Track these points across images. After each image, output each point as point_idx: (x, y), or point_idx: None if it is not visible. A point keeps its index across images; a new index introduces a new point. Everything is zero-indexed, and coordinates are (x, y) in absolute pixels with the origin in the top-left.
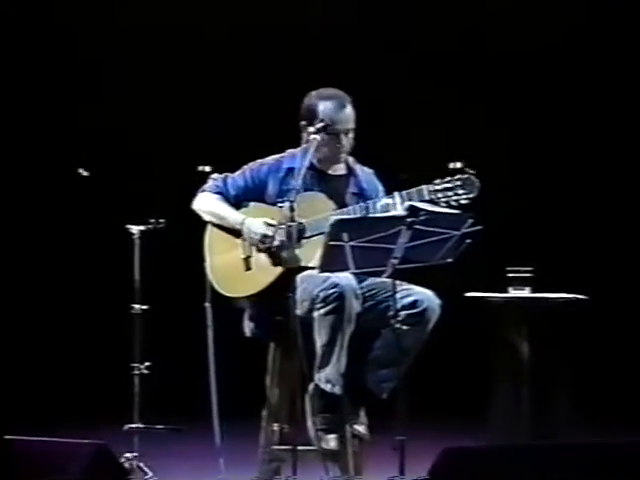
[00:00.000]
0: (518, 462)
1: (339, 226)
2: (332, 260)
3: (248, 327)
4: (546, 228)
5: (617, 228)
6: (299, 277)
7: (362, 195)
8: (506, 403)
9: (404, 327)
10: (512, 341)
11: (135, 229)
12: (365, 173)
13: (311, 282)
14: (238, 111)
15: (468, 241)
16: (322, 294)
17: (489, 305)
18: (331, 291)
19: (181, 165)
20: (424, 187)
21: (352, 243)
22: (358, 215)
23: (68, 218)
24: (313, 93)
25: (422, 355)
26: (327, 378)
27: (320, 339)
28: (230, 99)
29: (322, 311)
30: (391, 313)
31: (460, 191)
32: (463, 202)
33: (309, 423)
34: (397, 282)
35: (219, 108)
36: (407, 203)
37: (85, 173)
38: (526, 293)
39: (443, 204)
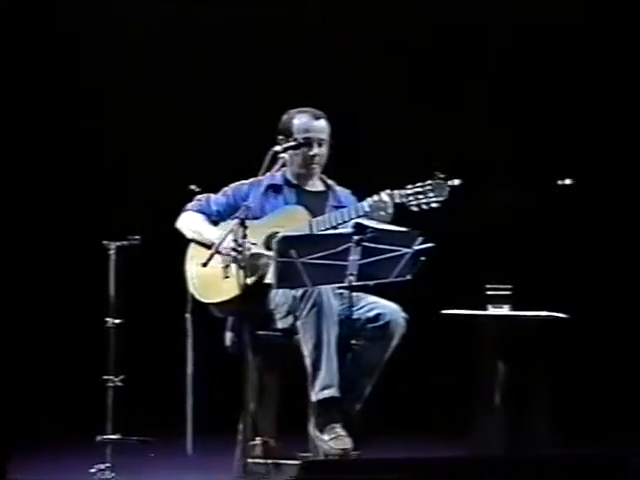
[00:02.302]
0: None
1: (285, 243)
2: (286, 277)
3: (229, 337)
4: (526, 245)
5: (597, 246)
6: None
7: (341, 208)
8: (484, 421)
9: (364, 342)
10: (490, 359)
11: (112, 245)
12: (342, 191)
13: None
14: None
15: (423, 258)
16: (300, 292)
17: (468, 323)
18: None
19: (160, 181)
20: (395, 192)
21: (302, 260)
22: (306, 232)
23: (44, 232)
24: (292, 110)
25: (399, 372)
26: (322, 385)
27: (307, 346)
28: (227, 109)
29: (304, 312)
30: (356, 325)
31: (430, 194)
32: (434, 205)
33: (318, 441)
34: (363, 295)
35: (214, 123)
36: (353, 221)
37: (197, 189)
38: (505, 311)
39: (414, 207)
